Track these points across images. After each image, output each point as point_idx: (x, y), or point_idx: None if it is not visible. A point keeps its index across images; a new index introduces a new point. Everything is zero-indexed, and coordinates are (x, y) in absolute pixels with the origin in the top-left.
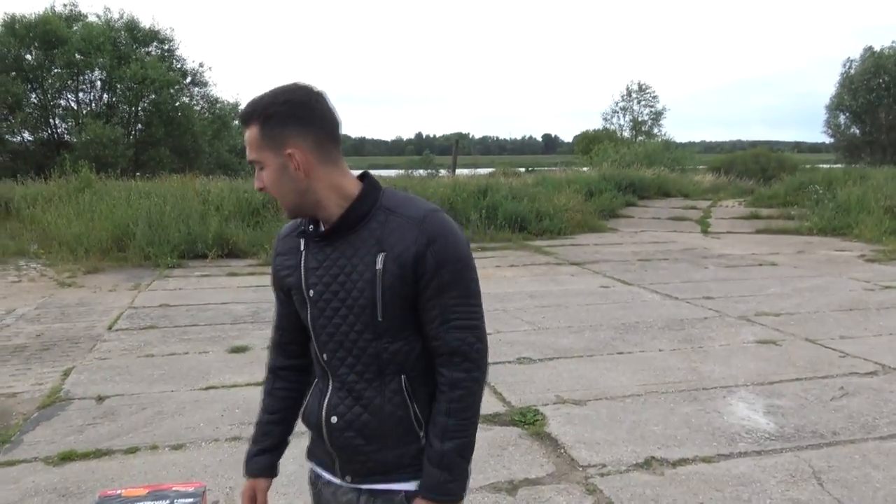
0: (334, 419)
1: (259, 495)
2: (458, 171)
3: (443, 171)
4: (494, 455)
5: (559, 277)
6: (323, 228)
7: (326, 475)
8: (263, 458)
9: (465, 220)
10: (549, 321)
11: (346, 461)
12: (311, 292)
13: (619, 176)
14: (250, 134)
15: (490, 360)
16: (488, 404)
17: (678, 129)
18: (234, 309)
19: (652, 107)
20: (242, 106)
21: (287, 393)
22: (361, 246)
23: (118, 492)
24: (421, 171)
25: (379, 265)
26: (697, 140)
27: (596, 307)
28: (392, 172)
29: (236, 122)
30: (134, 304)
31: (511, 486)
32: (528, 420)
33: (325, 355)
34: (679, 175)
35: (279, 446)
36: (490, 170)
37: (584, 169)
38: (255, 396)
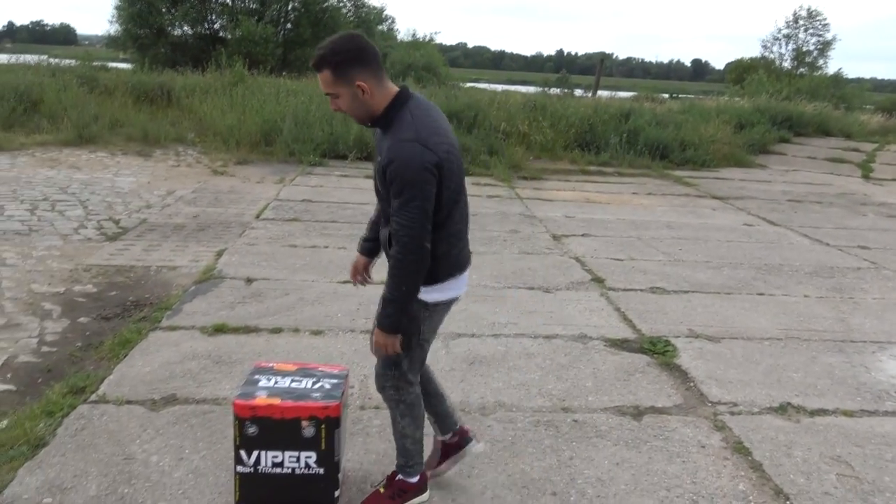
0: None
1: (361, 267)
2: (599, 94)
3: (578, 92)
4: (621, 379)
5: (699, 210)
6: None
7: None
8: (368, 245)
9: (605, 143)
10: (685, 254)
11: None
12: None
13: (775, 109)
14: (324, 76)
15: (622, 286)
16: (617, 329)
17: (845, 62)
18: (371, 211)
19: (820, 35)
20: (317, 51)
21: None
22: (382, 142)
23: (271, 364)
24: (556, 90)
25: (378, 160)
26: (867, 77)
27: (737, 244)
28: (529, 89)
29: (380, 26)
30: (279, 197)
31: (636, 411)
32: (657, 349)
33: None
34: (843, 113)
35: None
36: (631, 94)
37: (727, 98)
38: None
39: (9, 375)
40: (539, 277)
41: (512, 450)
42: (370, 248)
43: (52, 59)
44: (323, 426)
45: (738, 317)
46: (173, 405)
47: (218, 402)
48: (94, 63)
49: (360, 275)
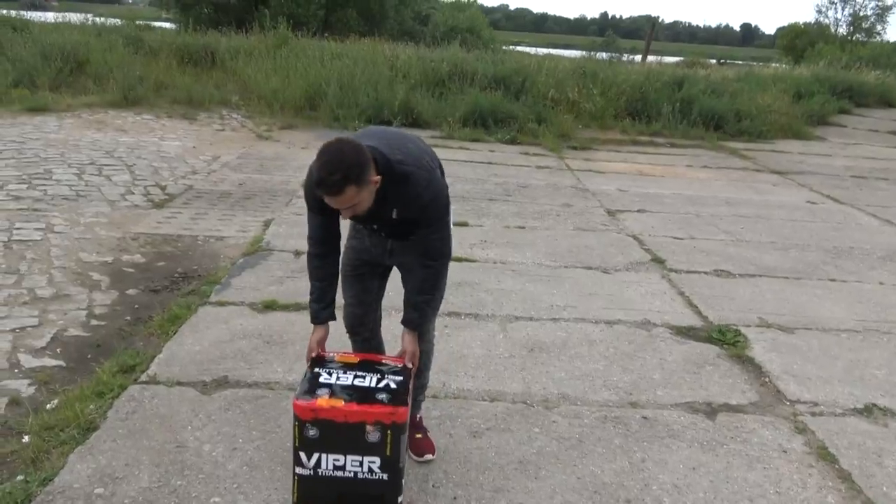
0: None
1: (324, 340)
2: (647, 59)
3: (625, 56)
4: (690, 372)
5: (758, 185)
6: None
7: None
8: (331, 310)
9: (656, 112)
10: (748, 233)
11: None
12: None
13: (835, 78)
14: (349, 194)
15: (684, 268)
16: (682, 316)
17: None
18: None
19: (879, 0)
20: (329, 177)
21: None
22: (389, 195)
23: (332, 354)
24: (602, 54)
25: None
26: None
27: (802, 224)
28: (573, 53)
29: None
30: None
31: (710, 408)
32: (727, 340)
33: None
34: None
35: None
36: (678, 59)
37: (785, 66)
38: None
39: (59, 350)
40: (596, 256)
41: (580, 449)
42: (332, 313)
43: (96, 19)
44: (389, 431)
45: (810, 304)
46: (225, 388)
47: (270, 387)
48: (138, 22)
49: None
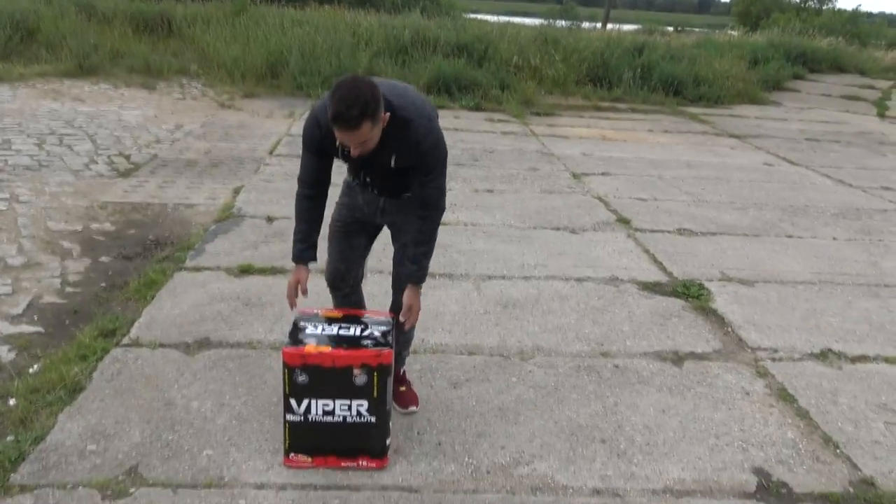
0: None
1: (305, 281)
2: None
3: (586, 24)
4: (658, 324)
5: (717, 149)
6: None
7: None
8: (313, 252)
9: (617, 78)
10: (709, 194)
11: None
12: None
13: (790, 44)
14: (364, 129)
15: (648, 227)
16: (648, 272)
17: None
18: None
19: None
20: (348, 111)
21: None
22: (388, 143)
23: (316, 311)
24: (562, 22)
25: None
26: (875, 10)
27: (759, 185)
28: (533, 21)
29: None
30: (290, 132)
31: (676, 356)
32: (691, 293)
33: None
34: (857, 49)
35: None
36: (636, 27)
37: (734, 33)
38: None
39: (35, 317)
40: (564, 217)
41: (556, 396)
42: (314, 254)
43: None
44: (375, 374)
45: (769, 260)
46: (208, 349)
47: (253, 346)
48: None
49: (299, 292)
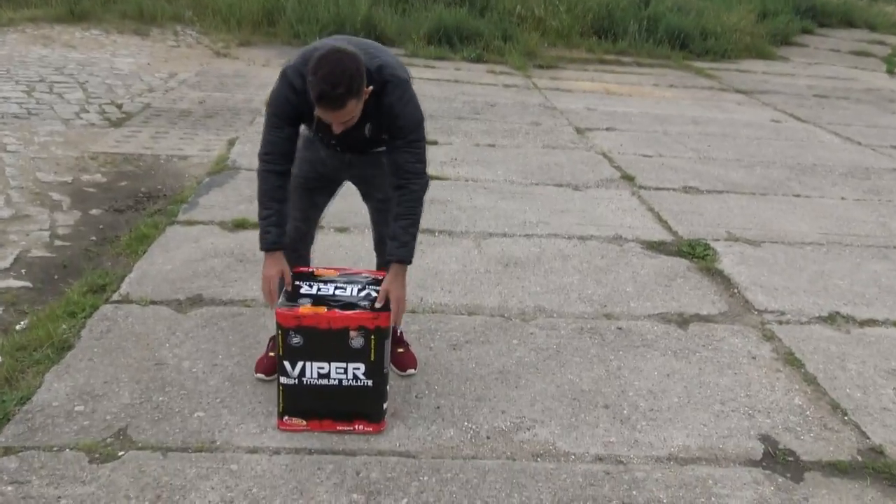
0: None
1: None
2: None
3: None
4: (662, 284)
5: (724, 105)
6: None
7: None
8: (286, 241)
9: (623, 30)
10: (715, 151)
11: None
12: None
13: None
14: (349, 107)
15: (653, 184)
16: (653, 231)
17: None
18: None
19: None
20: (333, 90)
21: None
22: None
23: (311, 269)
24: None
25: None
26: None
27: (767, 142)
28: None
29: None
30: None
31: (681, 318)
32: (697, 253)
33: None
34: (867, 3)
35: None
36: None
37: None
38: None
39: (23, 271)
40: (567, 174)
41: (558, 359)
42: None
43: None
44: (373, 336)
45: (776, 219)
46: (200, 306)
47: (247, 304)
48: None
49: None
